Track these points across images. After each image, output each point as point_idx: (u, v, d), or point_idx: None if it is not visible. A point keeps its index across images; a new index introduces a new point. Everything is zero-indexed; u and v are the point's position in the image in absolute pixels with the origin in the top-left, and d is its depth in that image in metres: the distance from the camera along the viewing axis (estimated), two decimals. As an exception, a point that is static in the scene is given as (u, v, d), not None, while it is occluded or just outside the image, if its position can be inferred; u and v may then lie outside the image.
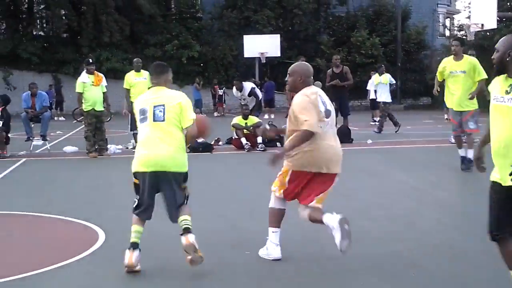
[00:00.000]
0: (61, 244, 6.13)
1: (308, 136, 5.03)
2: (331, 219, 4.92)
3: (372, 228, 6.48)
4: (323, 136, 5.15)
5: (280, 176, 5.37)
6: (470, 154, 9.51)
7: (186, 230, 4.99)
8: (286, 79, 9.71)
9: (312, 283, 4.83)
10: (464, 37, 27.19)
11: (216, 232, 6.33)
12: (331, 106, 5.35)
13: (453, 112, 10.16)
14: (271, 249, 5.32)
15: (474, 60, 10.05)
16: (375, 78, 19.34)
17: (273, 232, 5.35)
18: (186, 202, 5.20)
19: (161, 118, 5.09)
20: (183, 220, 5.05)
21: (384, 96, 17.87)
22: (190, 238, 4.95)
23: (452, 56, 10.24)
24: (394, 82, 20.45)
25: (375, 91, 19.63)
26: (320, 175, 5.18)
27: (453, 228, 6.42)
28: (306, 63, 5.80)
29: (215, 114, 29.03)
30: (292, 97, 5.44)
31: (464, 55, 10.31)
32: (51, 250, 5.93)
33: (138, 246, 5.04)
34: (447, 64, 10.26)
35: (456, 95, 9.96)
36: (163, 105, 5.12)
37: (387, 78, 18.31)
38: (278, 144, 14.33)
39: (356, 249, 5.67)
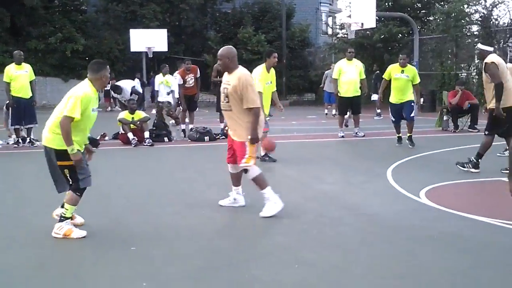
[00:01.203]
0: None
1: (259, 111, 6.63)
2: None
3: (258, 221, 6.65)
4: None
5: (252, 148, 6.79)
6: None
7: None
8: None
9: (202, 278, 4.92)
10: (345, 35, 28.21)
11: (100, 228, 6.29)
12: None
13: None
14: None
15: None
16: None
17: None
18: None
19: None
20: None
21: None
22: None
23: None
24: None
25: None
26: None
27: (336, 221, 6.63)
28: (229, 46, 7.13)
29: (108, 109, 28.34)
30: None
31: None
32: None
33: None
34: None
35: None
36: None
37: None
38: (165, 139, 14.34)
39: (242, 241, 5.83)
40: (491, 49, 9.63)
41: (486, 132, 9.46)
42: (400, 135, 12.98)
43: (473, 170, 9.40)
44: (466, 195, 8.04)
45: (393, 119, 13.11)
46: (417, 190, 7.94)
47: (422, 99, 24.25)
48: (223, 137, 14.73)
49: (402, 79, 12.58)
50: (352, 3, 25.27)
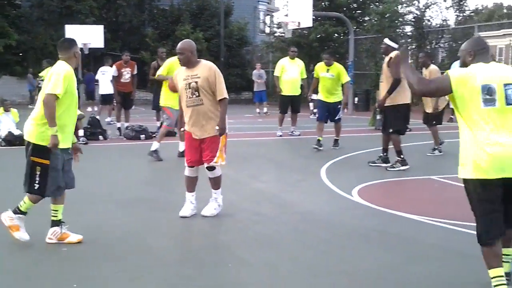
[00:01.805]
0: None
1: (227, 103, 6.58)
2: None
3: (193, 220, 6.67)
4: None
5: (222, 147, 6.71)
6: None
7: None
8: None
9: (135, 278, 4.91)
10: (283, 34, 28.42)
11: (29, 229, 6.17)
12: None
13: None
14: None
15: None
16: None
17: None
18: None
19: None
20: None
21: None
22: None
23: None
24: None
25: None
26: None
27: (271, 219, 6.71)
28: (189, 39, 7.02)
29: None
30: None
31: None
32: None
33: None
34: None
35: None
36: None
37: None
38: (100, 137, 14.17)
39: (176, 240, 5.84)
40: (396, 45, 10.05)
41: (389, 131, 9.92)
42: (321, 138, 12.28)
43: (403, 168, 9.73)
44: (396, 193, 8.26)
45: (318, 116, 12.90)
46: (350, 189, 8.12)
47: (356, 99, 24.74)
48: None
49: (327, 78, 12.38)
50: (289, 2, 25.44)
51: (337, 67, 12.47)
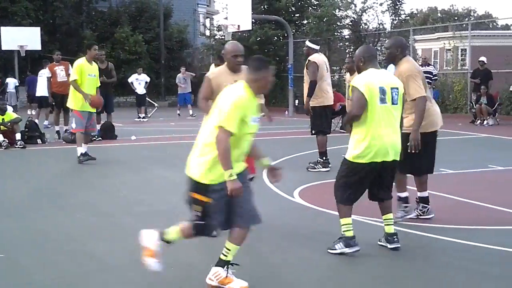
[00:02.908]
0: None
1: None
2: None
3: (134, 224, 6.64)
4: None
5: None
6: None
7: None
8: None
9: (74, 284, 4.86)
10: (223, 37, 28.49)
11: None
12: None
13: None
14: None
15: None
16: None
17: None
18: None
19: None
20: None
21: None
22: None
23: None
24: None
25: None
26: None
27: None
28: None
29: None
30: None
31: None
32: None
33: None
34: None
35: None
36: None
37: None
38: (38, 140, 13.92)
39: (117, 244, 5.81)
40: (317, 47, 10.43)
41: (312, 132, 10.32)
42: None
43: (323, 169, 10.06)
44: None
45: None
46: (291, 190, 8.22)
47: (297, 101, 25.02)
48: (100, 138, 14.52)
49: None
50: (229, 5, 25.56)
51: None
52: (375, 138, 5.20)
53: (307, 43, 10.54)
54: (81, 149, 10.83)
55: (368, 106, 5.18)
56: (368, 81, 5.25)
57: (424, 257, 5.31)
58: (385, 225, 5.56)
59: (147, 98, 23.00)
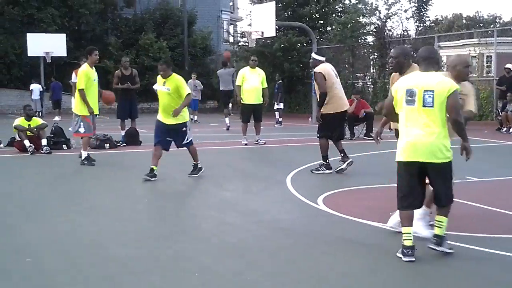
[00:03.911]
0: None
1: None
2: None
3: (158, 229, 6.66)
4: None
5: None
6: None
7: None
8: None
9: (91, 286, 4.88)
10: (246, 43, 28.54)
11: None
12: None
13: None
14: None
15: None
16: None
17: None
18: None
19: None
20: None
21: None
22: None
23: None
24: None
25: None
26: None
27: (236, 228, 6.72)
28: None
29: None
30: None
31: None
32: None
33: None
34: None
35: None
36: None
37: None
38: (64, 146, 14.04)
39: (141, 249, 5.82)
40: (323, 58, 10.61)
41: (317, 136, 10.57)
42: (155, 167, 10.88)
43: (327, 171, 10.34)
44: (361, 201, 8.34)
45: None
46: (315, 197, 8.18)
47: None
48: (124, 144, 14.62)
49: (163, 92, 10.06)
50: (253, 12, 25.61)
51: (175, 78, 9.77)
52: (402, 138, 5.44)
53: (313, 55, 10.88)
54: (85, 153, 11.40)
55: (398, 106, 5.49)
56: (399, 83, 5.55)
57: (448, 265, 5.24)
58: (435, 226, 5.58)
59: None
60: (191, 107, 24.28)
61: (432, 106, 5.26)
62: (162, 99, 9.76)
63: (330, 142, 10.54)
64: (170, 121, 9.71)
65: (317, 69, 10.29)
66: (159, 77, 9.79)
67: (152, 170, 9.58)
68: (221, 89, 21.14)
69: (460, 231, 6.28)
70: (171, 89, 9.59)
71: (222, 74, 21.18)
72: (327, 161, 10.44)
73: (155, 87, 9.84)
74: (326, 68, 10.36)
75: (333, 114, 10.30)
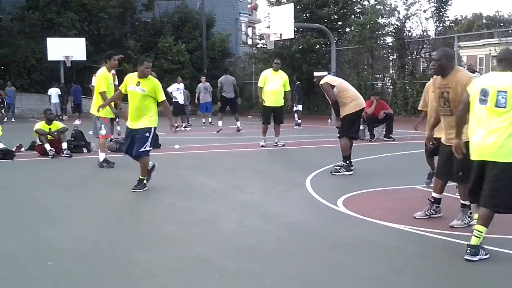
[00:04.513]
0: None
1: None
2: None
3: (177, 232, 6.66)
4: None
5: None
6: None
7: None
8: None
9: None
10: (265, 46, 28.53)
11: (17, 242, 6.16)
12: None
13: None
14: None
15: None
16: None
17: None
18: None
19: None
20: None
21: None
22: None
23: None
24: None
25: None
26: None
27: (255, 230, 6.71)
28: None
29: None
30: None
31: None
32: None
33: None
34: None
35: None
36: None
37: None
38: (84, 149, 14.11)
39: (161, 252, 5.82)
40: (324, 73, 10.97)
41: (338, 136, 10.71)
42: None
43: (347, 173, 10.31)
44: (380, 203, 8.29)
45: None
46: (335, 199, 8.14)
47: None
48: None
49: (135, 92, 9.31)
50: (271, 14, 25.61)
51: (153, 80, 9.28)
52: (473, 136, 5.48)
53: (314, 73, 11.14)
54: (103, 155, 11.57)
55: (470, 105, 5.53)
56: (475, 81, 5.64)
57: (480, 269, 5.18)
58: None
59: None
60: (203, 111, 24.61)
61: (504, 107, 5.25)
62: (133, 101, 9.03)
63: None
64: (136, 125, 9.03)
65: (322, 82, 10.60)
66: (131, 77, 9.15)
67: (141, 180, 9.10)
68: (222, 94, 21.19)
69: (496, 234, 6.20)
70: (147, 90, 8.96)
71: (224, 81, 21.26)
72: (348, 161, 10.42)
73: (129, 88, 9.09)
74: (330, 77, 10.81)
75: (355, 113, 10.48)
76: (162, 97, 9.09)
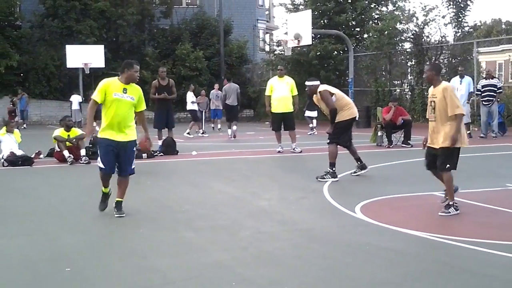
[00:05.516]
0: None
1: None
2: None
3: (195, 239, 6.66)
4: None
5: None
6: None
7: None
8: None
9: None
10: (282, 52, 28.52)
11: (36, 248, 6.19)
12: None
13: None
14: None
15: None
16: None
17: None
18: None
19: None
20: None
21: None
22: None
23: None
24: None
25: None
26: None
27: (273, 237, 6.69)
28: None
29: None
30: None
31: None
32: None
33: None
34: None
35: None
36: None
37: None
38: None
39: (179, 258, 5.82)
40: (317, 82, 11.01)
41: (327, 142, 10.86)
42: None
43: (332, 179, 10.37)
44: (399, 210, 8.24)
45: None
46: (353, 205, 8.10)
47: (357, 116, 24.83)
48: (161, 154, 14.71)
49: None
50: (289, 21, 25.61)
51: (137, 87, 8.02)
52: None
53: (306, 83, 11.19)
54: None
55: None
56: None
57: (483, 275, 5.12)
58: None
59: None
60: (213, 117, 25.09)
61: None
62: (119, 110, 7.66)
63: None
64: (120, 137, 7.75)
65: (319, 89, 10.72)
66: (112, 83, 7.76)
67: (118, 202, 7.90)
68: (226, 102, 21.29)
69: (503, 240, 6.14)
70: (136, 98, 7.81)
71: (228, 89, 21.36)
72: (333, 168, 10.54)
73: (114, 96, 7.65)
74: (326, 86, 10.99)
75: (348, 120, 10.75)
76: (144, 105, 8.02)
